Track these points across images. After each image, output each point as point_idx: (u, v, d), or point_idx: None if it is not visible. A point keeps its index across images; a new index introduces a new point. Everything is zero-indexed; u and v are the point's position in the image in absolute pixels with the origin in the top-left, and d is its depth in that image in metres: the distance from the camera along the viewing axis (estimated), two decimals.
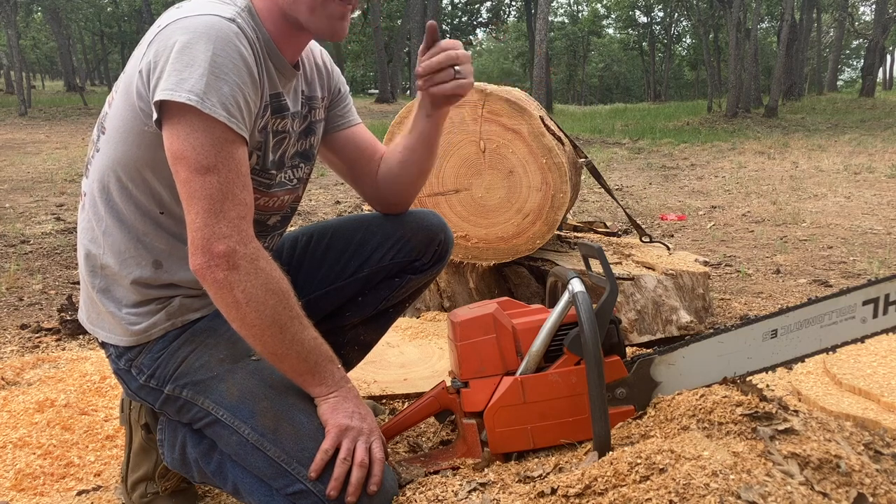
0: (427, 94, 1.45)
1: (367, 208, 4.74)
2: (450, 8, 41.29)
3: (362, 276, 1.58)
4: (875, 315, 1.41)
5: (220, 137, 1.15)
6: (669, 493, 0.99)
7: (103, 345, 1.39)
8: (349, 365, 1.70)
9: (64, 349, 2.58)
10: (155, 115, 1.17)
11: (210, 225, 1.15)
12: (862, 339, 1.43)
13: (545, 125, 2.47)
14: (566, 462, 1.25)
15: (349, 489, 1.18)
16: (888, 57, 39.38)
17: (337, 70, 1.57)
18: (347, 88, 1.61)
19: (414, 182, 1.57)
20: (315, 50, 1.52)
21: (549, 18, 23.73)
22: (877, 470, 1.11)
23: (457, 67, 1.38)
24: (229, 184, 1.16)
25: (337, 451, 1.21)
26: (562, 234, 3.08)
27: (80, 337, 2.71)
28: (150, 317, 1.33)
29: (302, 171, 1.49)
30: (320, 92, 1.50)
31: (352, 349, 1.67)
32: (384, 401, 2.01)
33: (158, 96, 1.14)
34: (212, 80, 1.13)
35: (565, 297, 1.31)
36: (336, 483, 1.18)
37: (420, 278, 1.63)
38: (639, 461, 1.08)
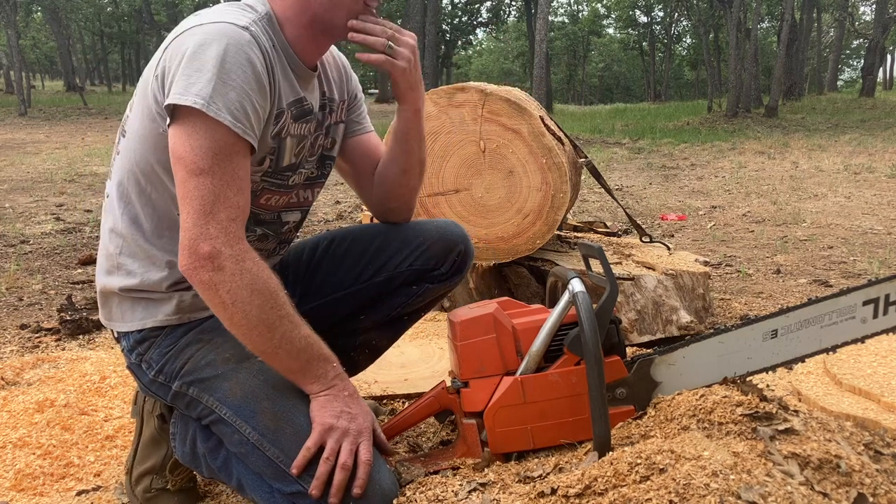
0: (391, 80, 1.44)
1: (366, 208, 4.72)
2: (450, 8, 41.29)
3: (379, 281, 1.57)
4: (875, 315, 1.41)
5: (220, 141, 1.17)
6: (669, 493, 0.99)
7: (118, 339, 1.42)
8: (358, 368, 1.70)
9: (64, 349, 2.58)
10: (168, 120, 1.19)
11: (199, 225, 1.16)
12: (862, 340, 1.43)
13: (545, 125, 2.47)
14: (566, 462, 1.25)
15: (332, 490, 1.18)
16: (888, 57, 39.39)
17: (354, 75, 1.58)
18: (363, 95, 1.61)
19: (398, 182, 1.55)
20: (334, 53, 1.53)
21: (549, 18, 23.75)
22: (877, 470, 1.11)
23: (391, 44, 1.36)
24: (223, 187, 1.18)
25: (322, 449, 1.21)
26: (562, 234, 3.08)
27: (80, 337, 2.71)
28: (161, 306, 1.35)
29: (319, 171, 1.50)
30: (339, 95, 1.51)
31: (362, 353, 1.67)
32: (385, 401, 2.01)
33: (168, 100, 1.17)
34: (219, 85, 1.15)
35: (565, 297, 1.31)
36: (318, 482, 1.19)
37: (438, 288, 1.61)
38: (639, 461, 1.08)
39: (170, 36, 1.25)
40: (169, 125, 1.19)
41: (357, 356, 1.65)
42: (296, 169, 1.40)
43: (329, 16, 1.29)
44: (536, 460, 1.31)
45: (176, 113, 1.18)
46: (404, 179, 1.55)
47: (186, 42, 1.19)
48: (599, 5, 48.29)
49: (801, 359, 1.42)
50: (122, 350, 1.41)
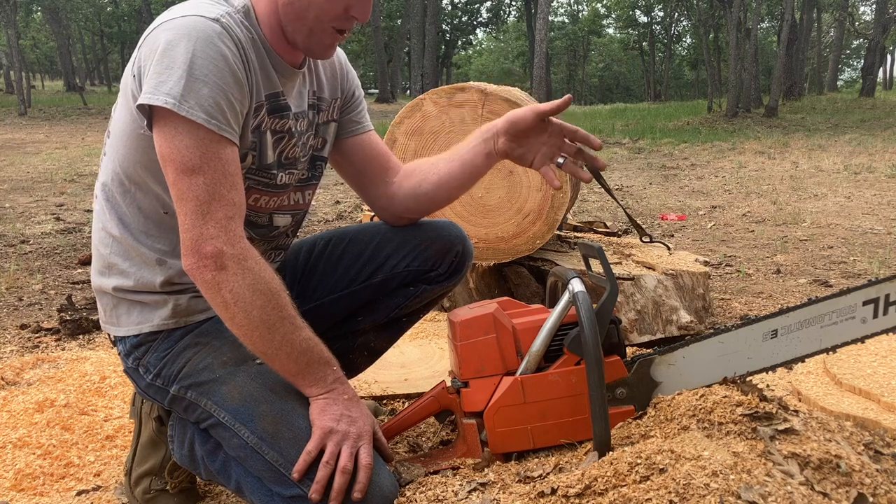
0: (511, 140, 1.46)
1: (366, 208, 4.73)
2: (450, 8, 41.30)
3: (376, 282, 1.55)
4: (875, 315, 1.41)
5: (203, 139, 1.16)
6: (669, 493, 0.99)
7: (114, 343, 1.41)
8: (357, 370, 1.69)
9: (64, 349, 2.58)
10: (144, 120, 1.18)
11: (198, 226, 1.16)
12: (862, 340, 1.43)
13: None
14: (566, 462, 1.25)
15: (332, 494, 1.18)
16: (888, 57, 39.40)
17: (353, 73, 1.55)
18: (362, 93, 1.58)
19: (440, 204, 1.56)
20: None
21: (549, 18, 23.76)
22: (877, 470, 1.11)
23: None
24: (216, 184, 1.17)
25: (322, 453, 1.20)
26: (562, 234, 3.08)
27: (80, 337, 2.72)
28: (157, 310, 1.34)
29: (310, 172, 1.48)
30: (331, 93, 1.49)
31: (361, 354, 1.66)
32: (385, 401, 2.01)
33: (140, 100, 1.16)
34: (190, 82, 1.14)
35: (565, 297, 1.31)
36: (318, 486, 1.18)
37: (436, 289, 1.60)
38: (639, 461, 1.08)
39: (145, 32, 1.24)
40: (151, 127, 1.18)
41: (355, 358, 1.65)
42: (283, 167, 1.38)
43: (290, 30, 1.28)
44: (536, 460, 1.31)
45: (153, 114, 1.17)
46: (446, 204, 1.58)
47: (159, 38, 1.17)
48: (599, 5, 48.28)
49: (801, 359, 1.42)
50: (119, 354, 1.40)
